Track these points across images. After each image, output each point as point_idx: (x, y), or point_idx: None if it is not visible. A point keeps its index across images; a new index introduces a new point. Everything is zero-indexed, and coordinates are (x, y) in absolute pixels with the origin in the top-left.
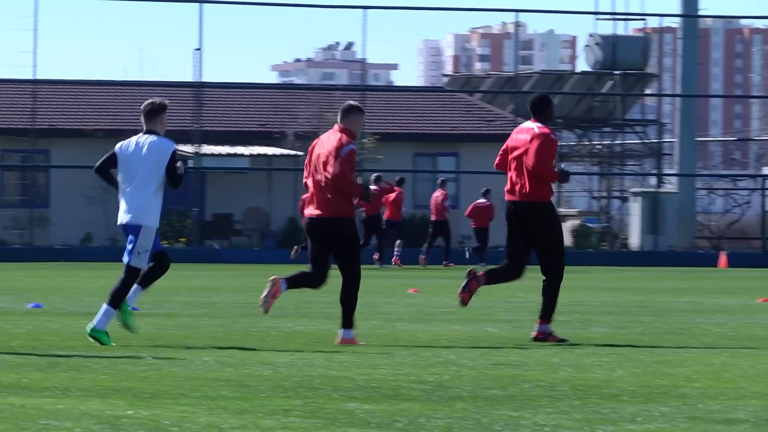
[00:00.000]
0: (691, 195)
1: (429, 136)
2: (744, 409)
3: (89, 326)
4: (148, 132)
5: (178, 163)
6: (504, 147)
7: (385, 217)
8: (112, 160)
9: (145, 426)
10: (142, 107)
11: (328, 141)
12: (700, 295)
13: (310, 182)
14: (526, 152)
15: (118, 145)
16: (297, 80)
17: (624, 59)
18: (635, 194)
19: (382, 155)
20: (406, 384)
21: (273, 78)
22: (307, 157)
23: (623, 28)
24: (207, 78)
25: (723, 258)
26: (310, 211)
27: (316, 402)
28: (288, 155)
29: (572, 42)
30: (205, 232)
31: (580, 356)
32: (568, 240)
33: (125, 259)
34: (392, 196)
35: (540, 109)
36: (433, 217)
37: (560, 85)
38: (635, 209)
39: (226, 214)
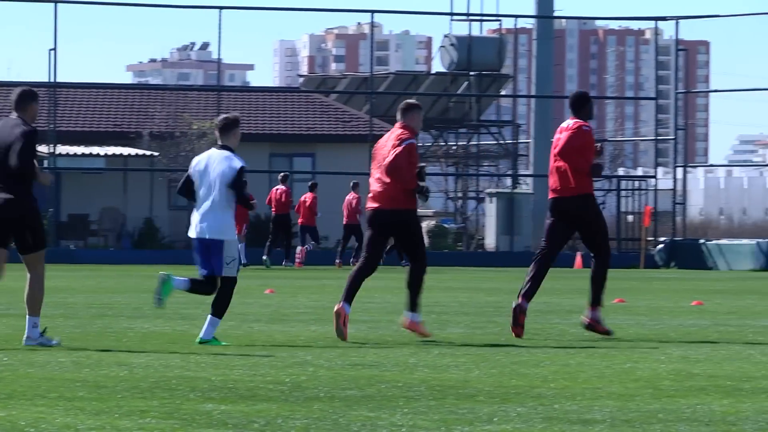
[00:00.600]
0: (547, 196)
1: (285, 136)
2: (600, 410)
3: (198, 339)
4: (222, 147)
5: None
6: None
7: (299, 222)
8: (190, 181)
9: (1, 427)
10: (216, 122)
11: (389, 138)
12: (556, 295)
13: (374, 180)
14: (562, 147)
15: (193, 162)
16: (152, 80)
17: (479, 60)
18: (491, 195)
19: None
20: (263, 384)
21: (128, 78)
22: (373, 159)
23: (478, 29)
24: (62, 78)
25: (578, 259)
26: (371, 204)
27: (173, 403)
28: (143, 155)
29: (427, 43)
30: (61, 232)
31: (437, 357)
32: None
33: (202, 272)
34: (308, 201)
35: (578, 107)
36: (345, 221)
37: (416, 86)
38: (491, 210)
39: (81, 214)
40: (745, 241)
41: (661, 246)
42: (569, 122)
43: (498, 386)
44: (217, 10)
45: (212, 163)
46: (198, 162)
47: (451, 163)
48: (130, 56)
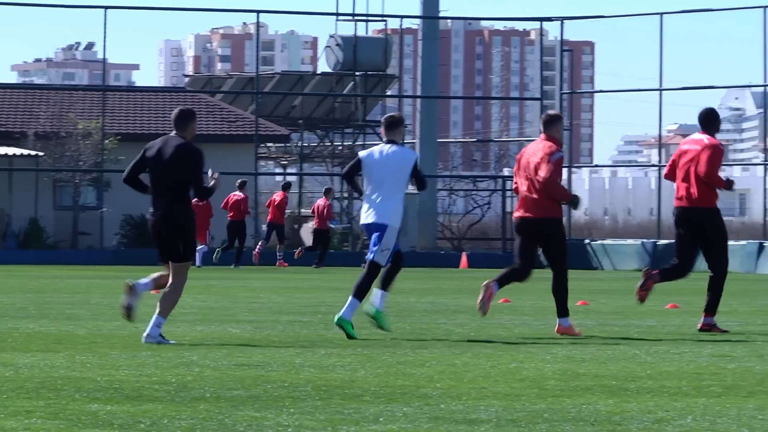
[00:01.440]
0: (432, 196)
1: None
2: (486, 410)
3: (337, 316)
4: (390, 142)
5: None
6: (672, 159)
7: (268, 219)
8: (358, 168)
9: None
10: (383, 120)
11: (536, 149)
12: (442, 295)
13: (523, 187)
14: (697, 161)
15: (363, 153)
16: (37, 80)
17: (365, 60)
18: None
19: (124, 156)
20: (148, 385)
21: (13, 78)
22: (516, 165)
23: (364, 30)
24: None
25: (464, 258)
26: (521, 213)
27: (58, 403)
28: (29, 155)
29: (313, 43)
30: None
31: (323, 357)
32: (309, 240)
33: (369, 256)
34: (277, 200)
35: (709, 123)
36: (315, 225)
37: (301, 86)
38: None
39: None
40: (629, 241)
41: None
42: (702, 137)
43: (384, 386)
44: (102, 10)
45: (384, 155)
46: (369, 153)
47: (337, 164)
48: (14, 56)
